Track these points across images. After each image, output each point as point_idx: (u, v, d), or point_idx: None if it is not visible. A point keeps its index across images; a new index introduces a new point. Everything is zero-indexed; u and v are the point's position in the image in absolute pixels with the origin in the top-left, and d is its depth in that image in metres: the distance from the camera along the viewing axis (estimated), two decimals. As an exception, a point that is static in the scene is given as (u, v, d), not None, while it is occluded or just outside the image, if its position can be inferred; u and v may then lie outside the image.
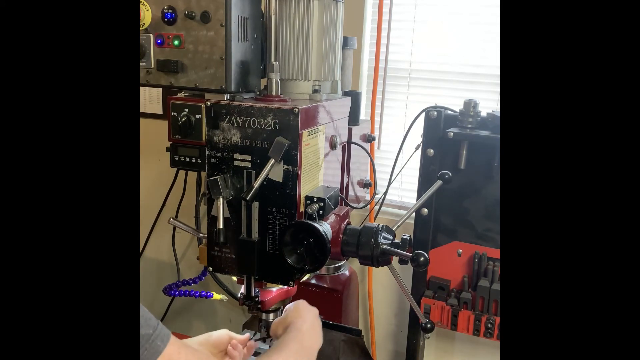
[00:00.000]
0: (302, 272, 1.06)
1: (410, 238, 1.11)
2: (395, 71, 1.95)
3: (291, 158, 1.02)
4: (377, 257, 1.08)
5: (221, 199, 1.05)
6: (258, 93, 1.21)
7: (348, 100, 1.33)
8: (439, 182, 1.15)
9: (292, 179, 1.03)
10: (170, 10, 1.12)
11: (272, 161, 1.01)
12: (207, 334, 1.16)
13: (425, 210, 1.52)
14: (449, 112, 1.51)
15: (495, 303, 1.47)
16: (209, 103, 1.06)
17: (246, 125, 1.03)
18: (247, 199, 1.02)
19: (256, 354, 1.33)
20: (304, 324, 1.09)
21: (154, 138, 2.10)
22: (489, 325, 1.48)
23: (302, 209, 1.06)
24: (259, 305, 1.17)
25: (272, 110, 1.01)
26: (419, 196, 1.56)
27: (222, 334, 1.16)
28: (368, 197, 1.60)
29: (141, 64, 1.16)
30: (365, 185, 1.52)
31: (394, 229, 1.12)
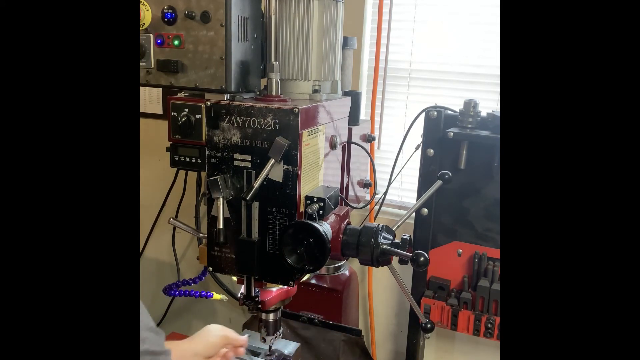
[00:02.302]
0: (302, 272, 1.06)
1: (410, 238, 1.11)
2: (395, 71, 1.95)
3: (291, 158, 1.02)
4: (377, 257, 1.08)
5: (221, 199, 1.05)
6: (258, 93, 1.21)
7: (348, 100, 1.33)
8: (439, 182, 1.15)
9: (292, 179, 1.03)
10: (170, 10, 1.12)
11: (272, 161, 1.01)
12: (204, 336, 1.15)
13: (425, 210, 1.52)
14: (449, 112, 1.51)
15: (495, 303, 1.47)
16: (209, 103, 1.06)
17: (246, 125, 1.03)
18: (247, 199, 1.02)
19: (255, 353, 1.34)
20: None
21: (154, 138, 2.10)
22: (489, 325, 1.48)
23: (302, 209, 1.06)
24: (259, 305, 1.17)
25: (272, 110, 1.01)
26: (419, 196, 1.56)
27: (218, 339, 1.15)
28: (368, 197, 1.60)
29: (141, 64, 1.16)
30: (365, 185, 1.52)
31: (394, 229, 1.12)
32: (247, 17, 1.13)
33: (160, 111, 2.25)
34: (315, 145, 1.10)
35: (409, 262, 1.02)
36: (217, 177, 1.05)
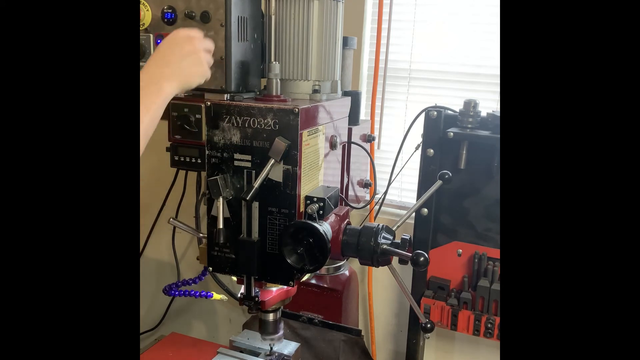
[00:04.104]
0: (302, 272, 1.06)
1: (410, 238, 1.11)
2: (395, 71, 1.95)
3: (291, 158, 1.02)
4: (377, 257, 1.08)
5: (221, 199, 1.05)
6: (258, 93, 1.21)
7: (348, 100, 1.33)
8: (439, 182, 1.15)
9: (292, 179, 1.02)
10: (170, 10, 1.12)
11: (272, 161, 1.01)
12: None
13: (425, 210, 1.52)
14: (449, 112, 1.51)
15: (495, 303, 1.47)
16: (209, 103, 1.06)
17: (246, 125, 1.03)
18: (247, 199, 1.01)
19: (255, 353, 1.34)
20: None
21: (154, 138, 2.10)
22: (489, 325, 1.48)
23: (302, 209, 1.06)
24: (259, 306, 1.17)
25: (272, 110, 1.01)
26: (419, 196, 1.56)
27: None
28: (368, 197, 1.60)
29: (141, 64, 1.15)
30: (365, 185, 1.52)
31: (394, 229, 1.12)
32: (247, 17, 1.13)
33: (160, 111, 2.25)
34: (315, 145, 1.10)
35: (409, 262, 1.01)
36: (217, 177, 1.05)
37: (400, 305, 2.05)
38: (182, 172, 1.73)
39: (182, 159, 1.23)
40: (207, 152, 1.07)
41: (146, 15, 1.14)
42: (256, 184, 1.02)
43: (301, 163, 1.03)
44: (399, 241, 1.09)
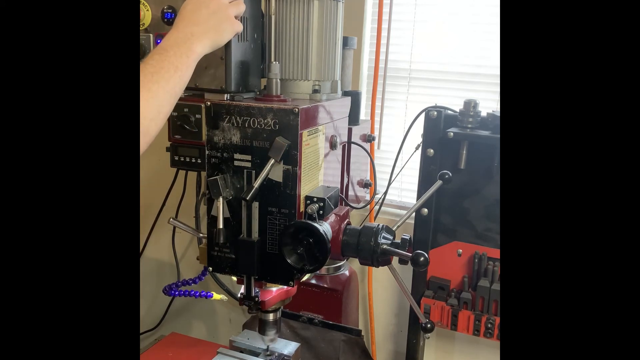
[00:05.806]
0: (302, 272, 1.06)
1: (410, 238, 1.11)
2: (395, 71, 1.95)
3: (291, 158, 1.02)
4: (377, 257, 1.08)
5: (221, 199, 1.05)
6: (258, 93, 1.21)
7: (348, 100, 1.33)
8: (439, 182, 1.15)
9: (292, 179, 1.02)
10: (170, 10, 1.12)
11: (272, 161, 1.01)
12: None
13: (425, 210, 1.52)
14: (449, 112, 1.51)
15: (495, 303, 1.47)
16: (208, 103, 1.06)
17: (246, 125, 1.03)
18: (247, 199, 1.01)
19: (255, 353, 1.34)
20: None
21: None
22: (489, 325, 1.48)
23: (302, 209, 1.06)
24: (259, 306, 1.17)
25: (272, 110, 1.01)
26: (419, 196, 1.56)
27: None
28: (368, 197, 1.60)
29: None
30: (365, 185, 1.52)
31: (394, 229, 1.12)
32: (247, 17, 1.12)
33: (160, 111, 2.24)
34: (315, 145, 1.10)
35: (409, 262, 1.01)
36: (217, 177, 1.05)
37: (400, 305, 2.05)
38: (182, 172, 1.73)
39: (182, 159, 1.23)
40: (207, 152, 1.07)
41: (146, 15, 1.14)
42: (256, 184, 1.02)
43: (301, 163, 1.03)
44: (399, 241, 1.09)
